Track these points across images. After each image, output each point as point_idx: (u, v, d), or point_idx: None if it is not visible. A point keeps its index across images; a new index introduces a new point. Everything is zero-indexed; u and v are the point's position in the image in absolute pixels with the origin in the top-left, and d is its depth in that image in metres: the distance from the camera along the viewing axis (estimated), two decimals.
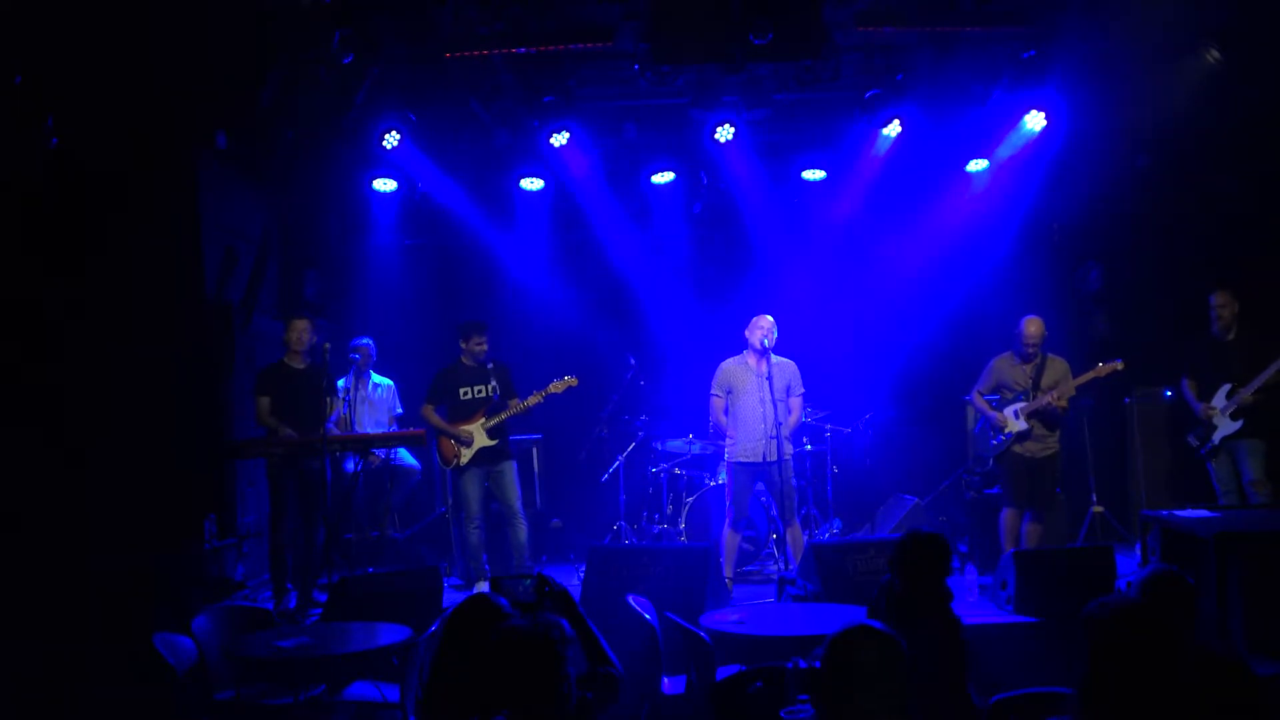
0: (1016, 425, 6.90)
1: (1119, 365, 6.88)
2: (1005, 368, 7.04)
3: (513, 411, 7.19)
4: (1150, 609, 2.82)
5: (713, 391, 7.07)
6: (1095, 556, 5.97)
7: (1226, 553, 5.21)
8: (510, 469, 7.27)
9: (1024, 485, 6.93)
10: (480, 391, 7.22)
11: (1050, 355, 6.99)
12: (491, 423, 7.16)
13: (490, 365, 7.23)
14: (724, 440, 7.14)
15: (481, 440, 7.17)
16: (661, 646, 4.58)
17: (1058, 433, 6.98)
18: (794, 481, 6.99)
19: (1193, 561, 5.24)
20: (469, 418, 7.20)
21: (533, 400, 7.18)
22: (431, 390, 7.31)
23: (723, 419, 7.02)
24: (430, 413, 7.28)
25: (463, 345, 7.27)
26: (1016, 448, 6.93)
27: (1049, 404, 6.80)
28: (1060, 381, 6.88)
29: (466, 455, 7.15)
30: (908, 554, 3.98)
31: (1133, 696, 2.60)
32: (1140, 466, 8.15)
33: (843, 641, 2.51)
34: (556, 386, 7.21)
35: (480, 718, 2.70)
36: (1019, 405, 6.93)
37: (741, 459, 6.90)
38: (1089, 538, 7.68)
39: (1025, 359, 6.95)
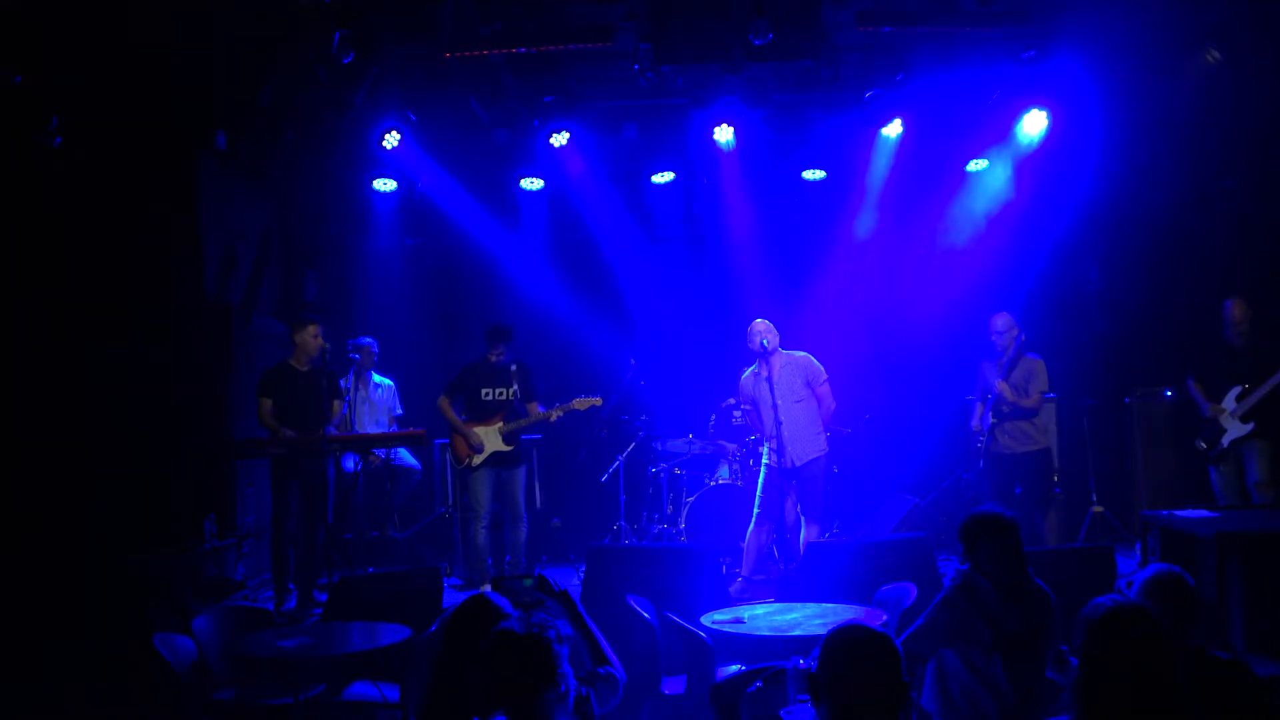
0: (980, 426, 7.01)
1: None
2: (986, 367, 7.13)
3: (532, 420, 7.21)
4: (1150, 609, 2.82)
5: (742, 406, 7.14)
6: (1095, 556, 5.95)
7: (1227, 553, 5.20)
8: (520, 475, 7.30)
9: (997, 485, 6.98)
10: (501, 394, 7.21)
11: (1027, 355, 7.02)
12: (509, 428, 7.17)
13: (514, 367, 7.21)
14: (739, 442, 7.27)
15: (495, 445, 7.17)
16: (661, 646, 4.58)
17: (1036, 428, 7.02)
18: (819, 481, 6.89)
19: (1193, 561, 5.23)
20: (487, 419, 7.19)
21: (554, 413, 7.19)
22: (452, 383, 7.29)
23: (761, 427, 7.00)
24: (446, 406, 7.23)
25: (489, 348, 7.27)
26: (995, 446, 7.02)
27: (1000, 396, 6.87)
28: (1029, 380, 6.90)
29: (479, 459, 7.15)
30: (983, 531, 3.83)
31: (1131, 696, 2.60)
32: (1140, 466, 8.14)
33: (839, 642, 2.51)
34: (580, 404, 7.24)
35: (479, 718, 2.70)
36: (988, 401, 7.05)
37: (768, 462, 6.92)
38: (1089, 538, 7.67)
39: (996, 355, 7.02)
